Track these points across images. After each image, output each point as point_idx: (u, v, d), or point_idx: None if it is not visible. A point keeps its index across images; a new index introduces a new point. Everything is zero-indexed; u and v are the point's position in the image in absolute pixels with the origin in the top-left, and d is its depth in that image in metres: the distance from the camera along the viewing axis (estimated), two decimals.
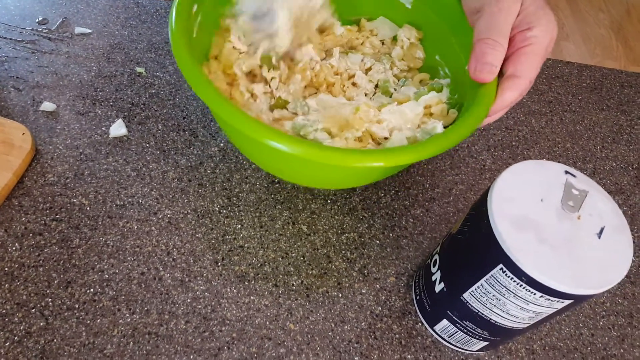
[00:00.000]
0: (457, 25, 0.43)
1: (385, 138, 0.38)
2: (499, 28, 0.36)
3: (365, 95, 0.44)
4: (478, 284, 0.32)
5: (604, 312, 0.42)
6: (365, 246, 0.42)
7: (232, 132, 0.38)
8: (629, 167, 0.52)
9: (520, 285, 0.29)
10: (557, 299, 0.28)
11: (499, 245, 0.29)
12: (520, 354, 0.39)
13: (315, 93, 0.44)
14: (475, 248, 0.32)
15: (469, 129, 0.35)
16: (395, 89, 0.45)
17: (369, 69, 0.46)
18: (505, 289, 0.30)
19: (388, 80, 0.44)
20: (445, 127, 0.37)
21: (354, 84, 0.45)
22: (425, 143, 0.33)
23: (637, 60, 1.47)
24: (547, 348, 0.39)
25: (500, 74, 0.37)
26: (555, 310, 0.30)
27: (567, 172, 0.32)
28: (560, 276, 0.28)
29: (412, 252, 0.42)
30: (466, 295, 0.33)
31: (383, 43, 0.49)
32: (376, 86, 0.45)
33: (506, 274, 0.29)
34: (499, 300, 0.31)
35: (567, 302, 0.29)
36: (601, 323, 0.42)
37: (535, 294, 0.28)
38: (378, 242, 0.42)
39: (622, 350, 0.40)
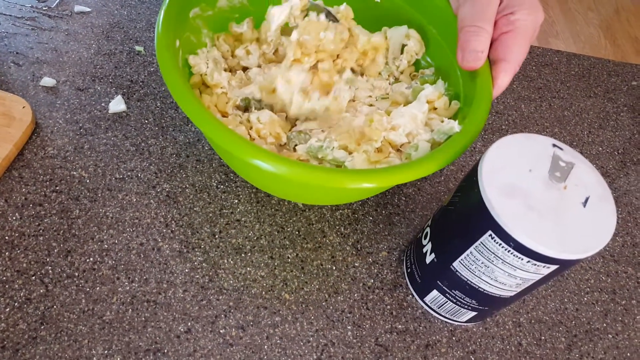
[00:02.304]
0: (431, 13, 0.43)
1: (402, 144, 0.39)
2: (482, 14, 0.37)
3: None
4: (467, 252, 0.33)
5: (588, 289, 0.43)
6: (358, 222, 0.43)
7: (221, 152, 0.38)
8: (614, 152, 0.53)
9: (508, 251, 0.30)
10: (543, 264, 0.29)
11: (488, 212, 0.30)
12: (507, 326, 0.40)
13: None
14: (465, 217, 0.33)
15: (481, 122, 0.36)
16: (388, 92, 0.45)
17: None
18: (493, 255, 0.31)
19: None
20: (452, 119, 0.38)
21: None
22: (449, 146, 0.34)
23: (624, 59, 1.49)
24: (533, 321, 0.40)
25: (489, 60, 0.38)
26: (541, 276, 0.31)
27: (554, 145, 0.33)
28: (546, 241, 0.29)
29: (404, 228, 0.43)
30: (456, 264, 0.34)
31: (387, 63, 0.47)
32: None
33: (495, 240, 0.30)
34: (488, 267, 0.32)
35: (553, 267, 0.30)
36: (585, 299, 0.43)
37: (522, 259, 0.29)
38: (371, 218, 0.43)
39: (604, 325, 0.42)
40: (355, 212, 0.43)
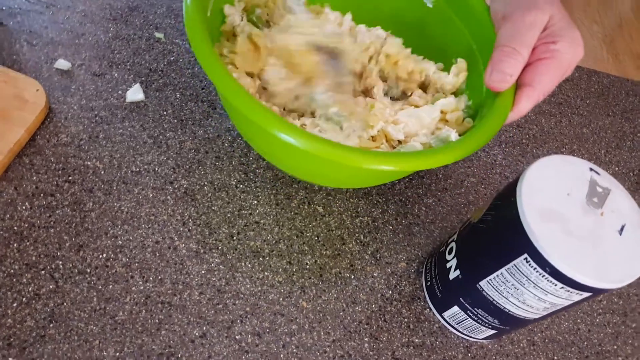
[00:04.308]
0: (479, 30, 0.41)
1: (399, 142, 0.38)
2: (522, 37, 0.35)
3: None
4: (498, 272, 0.32)
5: (600, 310, 0.43)
6: (378, 231, 0.42)
7: (241, 120, 0.36)
8: (629, 173, 0.53)
9: (543, 276, 0.29)
10: (577, 291, 0.29)
11: (526, 235, 0.29)
12: (521, 345, 0.39)
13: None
14: (498, 237, 0.32)
15: (484, 139, 0.34)
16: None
17: None
18: (526, 278, 0.30)
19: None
20: (459, 136, 0.37)
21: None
22: (439, 150, 0.33)
23: (624, 74, 1.50)
24: (546, 340, 0.40)
25: (516, 83, 0.36)
26: (571, 302, 0.30)
27: (591, 170, 0.33)
28: (584, 269, 0.28)
29: (424, 239, 0.42)
30: (483, 283, 0.33)
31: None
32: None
33: (530, 264, 0.29)
34: (517, 289, 0.31)
35: (585, 294, 0.29)
36: (597, 320, 0.43)
37: (556, 285, 0.29)
38: (391, 227, 0.42)
39: (615, 347, 0.41)
40: (375, 220, 0.42)
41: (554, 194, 0.31)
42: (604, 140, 0.55)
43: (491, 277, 0.33)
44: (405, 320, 0.38)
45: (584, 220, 0.30)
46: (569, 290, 0.29)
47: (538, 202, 0.30)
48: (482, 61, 0.41)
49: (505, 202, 0.32)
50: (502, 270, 0.31)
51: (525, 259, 0.29)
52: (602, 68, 0.62)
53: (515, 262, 0.30)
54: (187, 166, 0.41)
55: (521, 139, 0.52)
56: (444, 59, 0.45)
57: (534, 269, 0.29)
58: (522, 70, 0.36)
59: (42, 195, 0.38)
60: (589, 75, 0.60)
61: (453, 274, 0.36)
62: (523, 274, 0.30)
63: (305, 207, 0.42)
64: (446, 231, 0.43)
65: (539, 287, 0.30)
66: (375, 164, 0.31)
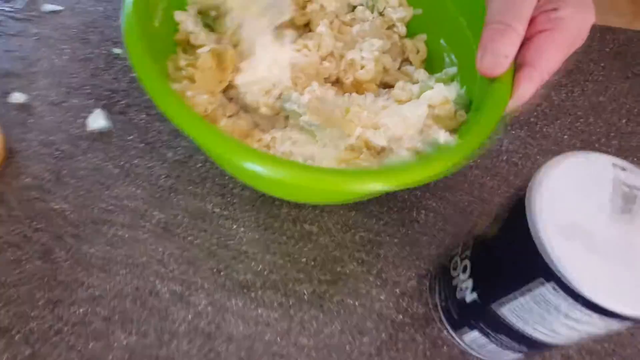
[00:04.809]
0: (468, 2, 0.36)
1: (383, 148, 0.32)
2: (516, 10, 0.29)
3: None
4: (520, 299, 0.27)
5: None
6: (380, 246, 0.38)
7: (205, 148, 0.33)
8: None
9: (575, 307, 0.25)
10: (616, 320, 0.25)
11: (544, 260, 0.24)
12: None
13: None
14: (514, 259, 0.28)
15: (477, 140, 0.29)
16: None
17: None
18: (554, 307, 0.25)
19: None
20: (452, 134, 0.32)
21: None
22: (419, 163, 0.28)
23: None
24: (583, 352, 0.35)
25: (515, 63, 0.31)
26: (612, 330, 0.26)
27: (615, 165, 0.28)
28: (623, 297, 0.23)
29: (434, 250, 0.38)
30: (504, 310, 0.29)
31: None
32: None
33: (558, 293, 0.25)
34: (545, 319, 0.27)
35: (627, 323, 0.25)
36: None
37: (591, 315, 0.25)
38: (395, 240, 0.38)
39: None
40: (375, 233, 0.38)
41: (573, 202, 0.26)
42: (624, 107, 0.49)
43: (513, 304, 0.28)
44: (421, 347, 0.34)
45: (612, 231, 0.25)
46: (607, 320, 0.25)
47: (555, 216, 0.25)
48: (474, 39, 0.35)
49: (515, 216, 0.27)
50: (526, 297, 0.27)
51: (553, 287, 0.25)
52: (618, 23, 0.55)
53: (540, 290, 0.26)
54: (159, 195, 0.37)
55: (528, 117, 0.47)
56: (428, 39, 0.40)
57: (564, 298, 0.25)
58: (520, 48, 0.30)
59: (8, 248, 0.34)
60: (602, 33, 0.54)
61: (470, 297, 0.32)
62: (550, 303, 0.25)
63: (295, 227, 0.38)
64: (456, 237, 0.39)
65: (570, 317, 0.25)
66: (342, 185, 0.26)
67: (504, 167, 0.43)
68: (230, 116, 0.35)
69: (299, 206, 0.38)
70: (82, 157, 0.38)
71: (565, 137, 0.46)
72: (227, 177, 0.39)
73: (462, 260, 0.34)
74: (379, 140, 0.31)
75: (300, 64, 0.36)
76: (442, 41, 0.39)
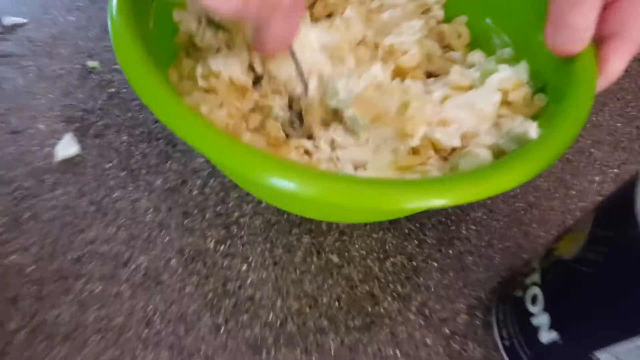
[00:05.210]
0: None
1: (453, 149, 0.23)
2: None
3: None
4: (630, 344, 0.18)
5: None
6: (419, 273, 0.28)
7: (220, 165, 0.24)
8: None
9: None
10: None
11: None
12: None
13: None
14: (623, 289, 0.18)
15: (574, 128, 0.20)
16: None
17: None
18: None
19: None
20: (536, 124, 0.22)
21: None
22: (520, 160, 0.19)
23: None
24: None
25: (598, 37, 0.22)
26: None
27: None
28: None
29: (483, 272, 0.28)
30: (604, 356, 0.19)
31: None
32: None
33: None
34: None
35: None
36: None
37: None
38: (435, 264, 0.28)
39: None
40: (412, 257, 0.28)
41: None
42: None
43: (619, 348, 0.18)
44: None
45: None
46: None
47: None
48: (530, 12, 0.26)
49: (620, 232, 0.17)
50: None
51: None
52: None
53: None
54: (145, 235, 0.28)
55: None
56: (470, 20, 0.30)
57: None
58: (600, 17, 0.21)
59: None
60: None
61: (547, 336, 0.22)
62: None
63: (314, 259, 0.28)
64: (510, 254, 0.29)
65: None
66: (418, 200, 0.18)
67: (557, 164, 0.33)
68: (254, 129, 0.25)
69: (322, 232, 0.28)
70: (48, 194, 0.29)
71: (619, 124, 0.36)
72: (231, 202, 0.29)
73: (527, 287, 0.24)
74: (452, 140, 0.22)
75: (332, 45, 0.26)
76: (488, 20, 0.29)
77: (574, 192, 0.31)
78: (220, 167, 0.27)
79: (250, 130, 0.25)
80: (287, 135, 0.26)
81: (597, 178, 0.33)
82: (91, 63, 0.35)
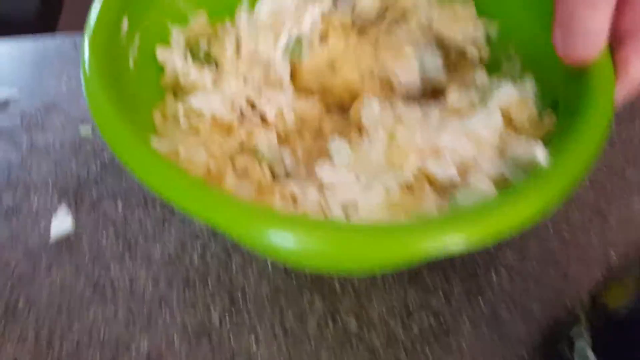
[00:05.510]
0: None
1: (451, 182, 0.21)
2: None
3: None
4: None
5: None
6: (449, 331, 0.25)
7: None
8: None
9: None
10: None
11: None
12: None
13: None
14: None
15: (592, 151, 0.18)
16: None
17: None
18: None
19: None
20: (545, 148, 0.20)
21: None
22: (522, 196, 0.17)
23: None
24: None
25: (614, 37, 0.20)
26: None
27: None
28: None
29: (521, 324, 0.25)
30: None
31: None
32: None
33: None
34: None
35: None
36: None
37: None
38: (466, 319, 0.25)
39: None
40: (438, 314, 0.25)
41: None
42: None
43: None
44: None
45: None
46: None
47: None
48: (536, 20, 0.24)
49: None
50: None
51: None
52: None
53: None
54: (146, 312, 0.26)
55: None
56: None
57: None
58: (614, 14, 0.19)
59: None
60: None
61: None
62: None
63: (330, 326, 0.25)
64: (549, 301, 0.26)
65: None
66: (407, 251, 0.16)
67: (589, 192, 0.30)
68: (242, 172, 0.24)
69: (335, 294, 0.26)
70: (44, 277, 0.27)
71: None
72: (234, 268, 0.27)
73: (573, 341, 0.21)
74: (446, 171, 0.20)
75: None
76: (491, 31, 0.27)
77: (613, 222, 0.28)
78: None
79: (237, 173, 0.24)
80: (275, 176, 0.24)
81: (636, 202, 0.30)
82: (83, 130, 0.34)
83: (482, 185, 0.19)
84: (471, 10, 0.28)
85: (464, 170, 0.20)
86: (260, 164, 0.24)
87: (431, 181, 0.21)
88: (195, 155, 0.23)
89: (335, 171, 0.21)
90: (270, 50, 0.27)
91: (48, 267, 0.28)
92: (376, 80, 0.27)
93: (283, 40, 0.27)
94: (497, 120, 0.21)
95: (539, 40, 0.24)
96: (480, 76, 0.24)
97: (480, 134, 0.21)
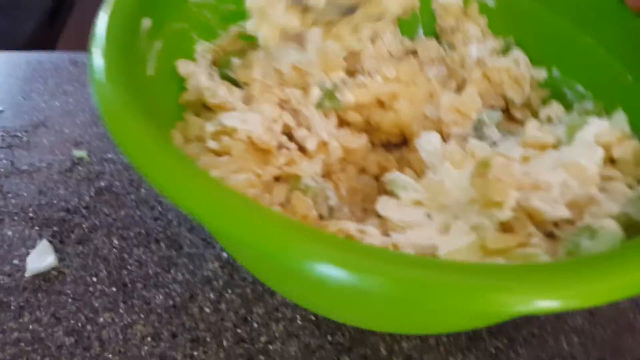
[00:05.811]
0: (586, 8, 0.23)
1: (555, 224, 0.17)
2: None
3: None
4: None
5: None
6: None
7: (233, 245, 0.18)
8: None
9: None
10: None
11: None
12: None
13: None
14: None
15: None
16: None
17: None
18: None
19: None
20: None
21: None
22: None
23: None
24: None
25: None
26: None
27: None
28: None
29: None
30: None
31: None
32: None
33: None
34: None
35: None
36: None
37: None
38: None
39: None
40: None
41: None
42: None
43: None
44: None
45: None
46: None
47: None
48: (609, 54, 0.22)
49: None
50: None
51: None
52: None
53: None
54: None
55: None
56: None
57: None
58: None
59: None
60: None
61: None
62: None
63: None
64: None
65: None
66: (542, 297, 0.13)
67: None
68: (280, 204, 0.20)
69: (380, 358, 0.21)
70: (12, 322, 0.22)
71: None
72: (256, 319, 0.22)
73: None
74: (555, 208, 0.16)
75: None
76: (554, 71, 0.24)
77: None
78: (240, 255, 0.21)
79: (275, 204, 0.20)
80: (321, 216, 0.20)
81: None
82: (77, 153, 0.29)
83: (607, 225, 0.16)
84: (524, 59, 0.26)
85: (576, 208, 0.17)
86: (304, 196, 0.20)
87: (534, 219, 0.18)
88: (231, 180, 0.19)
89: (403, 208, 0.18)
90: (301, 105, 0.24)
91: (18, 311, 0.22)
92: (429, 121, 0.25)
93: (314, 94, 0.24)
94: (599, 153, 0.18)
95: (613, 72, 0.22)
96: (555, 109, 0.22)
97: (585, 167, 0.18)
